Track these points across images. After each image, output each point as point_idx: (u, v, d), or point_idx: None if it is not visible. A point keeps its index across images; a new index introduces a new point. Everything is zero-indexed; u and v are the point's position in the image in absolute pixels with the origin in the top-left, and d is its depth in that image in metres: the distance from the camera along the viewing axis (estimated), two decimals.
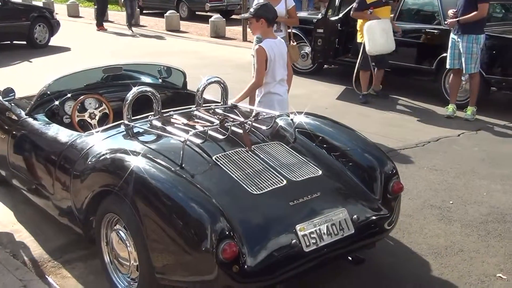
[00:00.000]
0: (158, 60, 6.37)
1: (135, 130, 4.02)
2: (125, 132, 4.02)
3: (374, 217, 3.62)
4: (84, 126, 4.73)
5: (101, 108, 4.88)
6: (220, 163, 3.58)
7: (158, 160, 3.49)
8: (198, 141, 3.67)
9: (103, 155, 3.71)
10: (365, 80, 8.77)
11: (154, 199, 3.22)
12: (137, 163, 3.39)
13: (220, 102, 4.67)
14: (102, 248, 3.73)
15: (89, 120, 4.82)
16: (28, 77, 9.73)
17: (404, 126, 7.65)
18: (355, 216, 3.48)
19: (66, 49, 13.64)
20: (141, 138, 3.96)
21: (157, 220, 3.17)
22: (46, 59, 12.26)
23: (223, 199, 3.26)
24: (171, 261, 3.19)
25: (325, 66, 10.79)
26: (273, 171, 3.59)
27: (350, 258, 3.63)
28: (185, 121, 4.09)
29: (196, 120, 4.20)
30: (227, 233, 3.01)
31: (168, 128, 3.94)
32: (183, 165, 3.47)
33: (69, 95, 4.89)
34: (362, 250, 3.69)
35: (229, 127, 3.80)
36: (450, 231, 4.57)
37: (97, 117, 4.86)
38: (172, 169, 3.41)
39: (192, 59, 11.79)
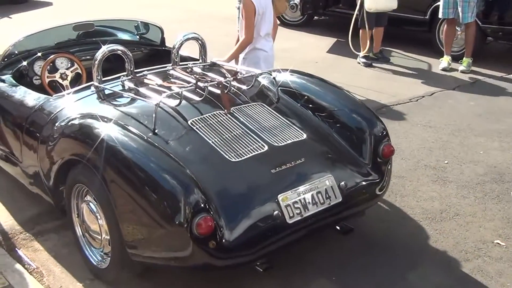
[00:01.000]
0: (143, 14, 6.03)
1: (106, 92, 3.77)
2: (95, 95, 3.77)
3: (363, 183, 3.42)
4: (55, 88, 4.46)
5: (73, 68, 4.58)
6: (196, 127, 3.35)
7: (129, 126, 3.27)
8: (173, 103, 3.42)
9: (72, 120, 3.49)
10: (365, 40, 7.97)
11: (124, 170, 3.02)
12: (106, 130, 3.17)
13: (198, 60, 4.37)
14: (73, 220, 3.56)
15: (60, 81, 4.53)
16: (8, 34, 9.34)
17: (397, 80, 7.39)
18: (342, 182, 3.28)
19: (48, 4, 13.18)
20: (112, 101, 3.72)
21: (128, 192, 2.98)
22: (26, 15, 11.83)
23: (199, 168, 3.06)
24: (143, 236, 3.01)
25: (315, 17, 10.48)
26: (254, 136, 3.37)
27: (338, 227, 3.43)
28: (160, 81, 3.85)
29: (171, 80, 3.95)
30: (202, 205, 2.82)
31: (141, 89, 3.69)
32: (156, 131, 3.26)
33: (39, 54, 4.58)
34: (351, 218, 3.48)
35: (205, 87, 3.52)
36: (445, 193, 4.38)
37: (69, 78, 4.56)
38: (144, 136, 3.18)
39: (177, 12, 11.40)
